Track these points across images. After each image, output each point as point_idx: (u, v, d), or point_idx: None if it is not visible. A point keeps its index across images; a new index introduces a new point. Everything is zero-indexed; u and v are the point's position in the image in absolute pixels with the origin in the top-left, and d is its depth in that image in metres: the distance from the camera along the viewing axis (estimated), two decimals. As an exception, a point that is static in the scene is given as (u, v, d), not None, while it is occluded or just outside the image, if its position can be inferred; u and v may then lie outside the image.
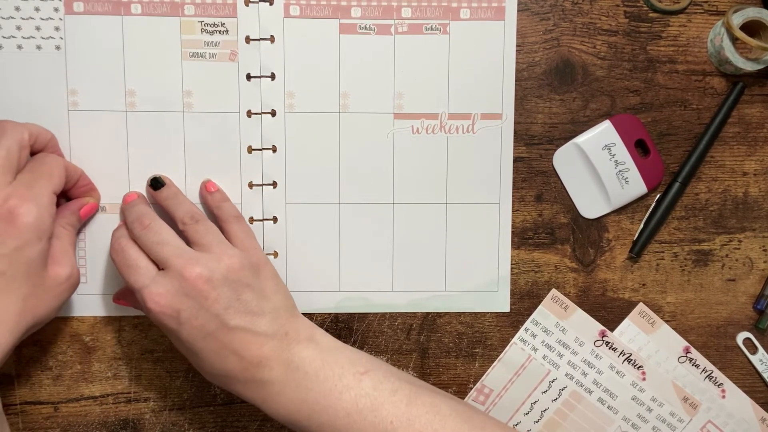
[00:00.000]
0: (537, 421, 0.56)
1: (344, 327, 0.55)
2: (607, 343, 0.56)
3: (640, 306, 0.56)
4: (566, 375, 0.56)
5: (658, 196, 0.55)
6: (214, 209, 0.52)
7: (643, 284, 0.56)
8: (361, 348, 0.55)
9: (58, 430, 0.55)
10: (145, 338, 0.55)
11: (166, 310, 0.45)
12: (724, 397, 0.56)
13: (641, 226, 0.55)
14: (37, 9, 0.51)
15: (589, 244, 0.56)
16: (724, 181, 0.56)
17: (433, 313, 0.56)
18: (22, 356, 0.54)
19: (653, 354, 0.56)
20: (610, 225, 0.56)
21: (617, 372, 0.56)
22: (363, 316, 0.55)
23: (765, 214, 0.56)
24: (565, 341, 0.56)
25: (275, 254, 0.54)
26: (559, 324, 0.56)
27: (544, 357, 0.56)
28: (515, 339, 0.56)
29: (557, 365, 0.56)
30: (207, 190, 0.52)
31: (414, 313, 0.55)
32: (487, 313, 0.56)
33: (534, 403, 0.56)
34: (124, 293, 0.52)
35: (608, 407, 0.56)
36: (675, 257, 0.56)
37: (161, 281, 0.45)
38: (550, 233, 0.55)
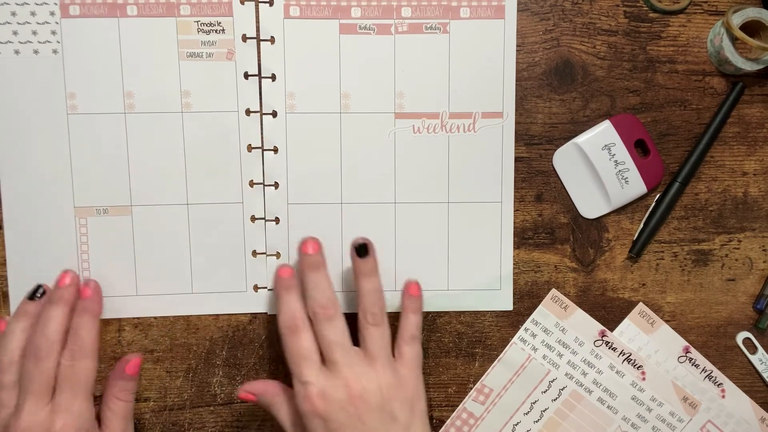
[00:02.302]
0: (537, 421, 0.54)
1: (344, 327, 0.53)
2: (607, 342, 0.54)
3: (640, 306, 0.54)
4: (566, 375, 0.54)
5: (657, 196, 0.54)
6: (405, 314, 0.50)
7: (643, 284, 0.54)
8: (361, 348, 0.54)
9: (58, 431, 0.53)
10: (145, 338, 0.53)
11: (321, 414, 0.45)
12: (723, 396, 0.54)
13: (641, 226, 0.54)
14: (33, 13, 0.49)
15: (589, 244, 0.54)
16: (723, 181, 0.54)
17: (433, 312, 0.54)
18: (22, 357, 0.52)
19: (653, 354, 0.54)
20: (610, 225, 0.54)
21: (617, 372, 0.54)
22: (363, 316, 0.53)
23: (765, 214, 0.54)
24: (565, 341, 0.54)
25: (277, 255, 0.53)
26: (559, 324, 0.54)
27: (544, 357, 0.54)
28: (515, 339, 0.54)
29: (557, 365, 0.54)
30: (410, 293, 0.50)
31: (414, 313, 0.54)
32: (487, 312, 0.54)
33: (534, 403, 0.54)
34: (257, 388, 0.50)
35: (608, 407, 0.54)
36: (675, 257, 0.54)
37: (327, 384, 0.45)
38: (550, 233, 0.54)
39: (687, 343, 0.54)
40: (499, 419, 0.54)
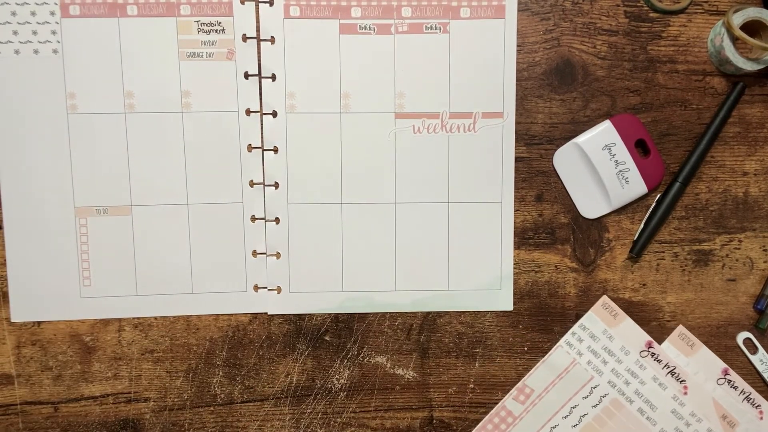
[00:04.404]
0: (575, 426, 0.52)
1: (344, 327, 0.52)
2: (653, 354, 0.52)
3: (680, 328, 0.53)
4: (609, 382, 0.52)
5: (658, 196, 0.53)
6: None
7: (644, 284, 0.53)
8: (361, 348, 0.52)
9: (58, 430, 0.52)
10: (145, 338, 0.52)
11: None
12: (762, 418, 0.52)
13: (641, 226, 0.53)
14: (33, 13, 0.48)
15: (590, 244, 0.53)
16: (724, 181, 0.53)
17: (433, 313, 0.53)
18: (22, 356, 0.51)
19: (692, 376, 0.52)
20: (610, 225, 0.53)
21: (660, 384, 0.52)
22: (363, 316, 0.52)
23: (765, 214, 0.53)
24: (611, 349, 0.52)
25: (277, 255, 0.52)
26: (607, 331, 0.52)
27: (589, 362, 0.53)
28: (561, 342, 0.53)
29: (601, 372, 0.53)
30: None
31: (414, 313, 0.53)
32: (487, 312, 0.53)
33: (574, 408, 0.53)
34: None
35: (647, 418, 0.52)
36: (675, 257, 0.53)
37: None
38: (550, 233, 0.53)
39: (726, 365, 0.53)
40: (537, 420, 0.53)
